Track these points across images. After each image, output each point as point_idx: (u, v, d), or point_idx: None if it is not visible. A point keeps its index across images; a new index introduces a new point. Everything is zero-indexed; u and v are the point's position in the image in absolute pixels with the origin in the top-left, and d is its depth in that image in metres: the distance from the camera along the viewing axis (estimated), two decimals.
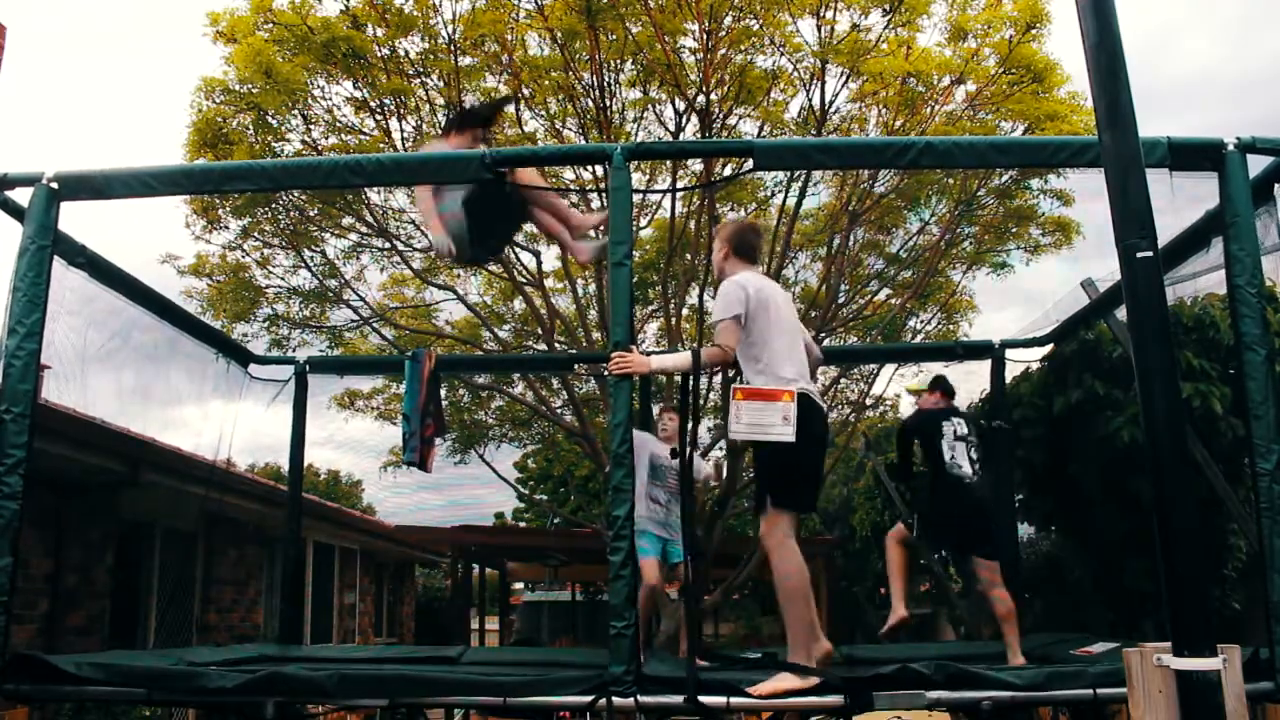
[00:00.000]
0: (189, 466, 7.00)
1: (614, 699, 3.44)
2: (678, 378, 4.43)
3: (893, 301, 11.27)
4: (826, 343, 10.81)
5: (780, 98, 9.20)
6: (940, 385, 5.30)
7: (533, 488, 21.78)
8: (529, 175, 4.65)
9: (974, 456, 4.92)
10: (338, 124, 9.23)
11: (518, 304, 11.89)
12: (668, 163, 9.68)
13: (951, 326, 11.83)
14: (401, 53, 8.80)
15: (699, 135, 8.84)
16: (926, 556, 8.35)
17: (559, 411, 12.25)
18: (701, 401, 9.67)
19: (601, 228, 4.55)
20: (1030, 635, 5.74)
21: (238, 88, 8.71)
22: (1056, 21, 8.65)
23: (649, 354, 6.66)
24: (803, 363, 3.97)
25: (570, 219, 4.89)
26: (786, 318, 3.99)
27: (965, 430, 4.97)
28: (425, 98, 9.03)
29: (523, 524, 23.53)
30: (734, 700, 3.49)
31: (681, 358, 4.02)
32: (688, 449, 3.97)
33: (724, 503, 10.14)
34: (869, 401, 12.41)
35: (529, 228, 11.04)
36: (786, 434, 3.62)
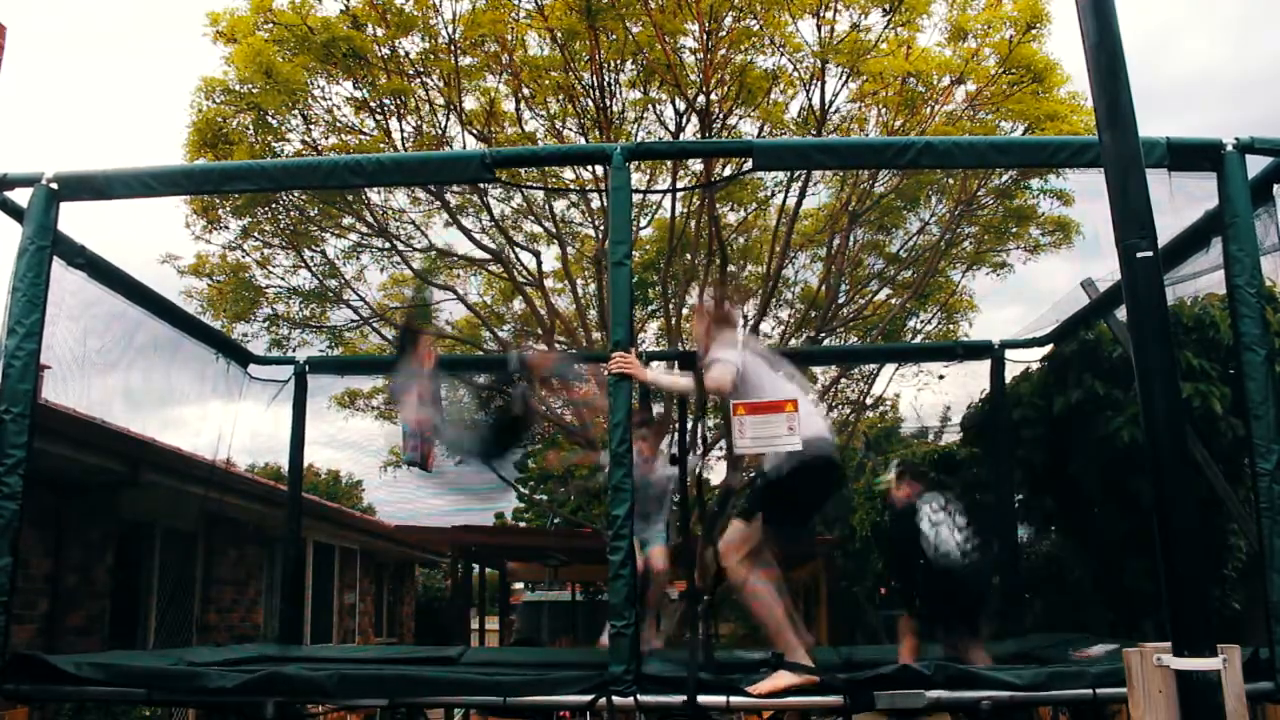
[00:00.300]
0: (189, 466, 6.99)
1: (614, 698, 3.45)
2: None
3: (893, 301, 11.27)
4: (826, 343, 10.82)
5: (780, 98, 9.20)
6: (908, 474, 5.16)
7: (533, 488, 21.78)
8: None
9: (959, 525, 4.80)
10: (338, 124, 9.23)
11: (518, 304, 11.90)
12: (668, 163, 9.69)
13: (951, 326, 11.84)
14: (401, 53, 8.80)
15: (699, 135, 8.84)
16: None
17: (559, 411, 12.24)
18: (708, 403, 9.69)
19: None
20: (1030, 635, 5.74)
21: (238, 88, 8.72)
22: (1056, 21, 8.66)
23: (648, 355, 6.69)
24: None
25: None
26: (768, 375, 4.00)
27: (939, 509, 4.85)
28: (425, 98, 9.04)
29: (523, 524, 23.53)
30: (734, 700, 3.49)
31: (678, 380, 4.07)
32: (687, 451, 3.98)
33: (724, 502, 10.13)
34: (869, 401, 12.42)
35: (530, 227, 11.08)
36: (794, 442, 3.63)
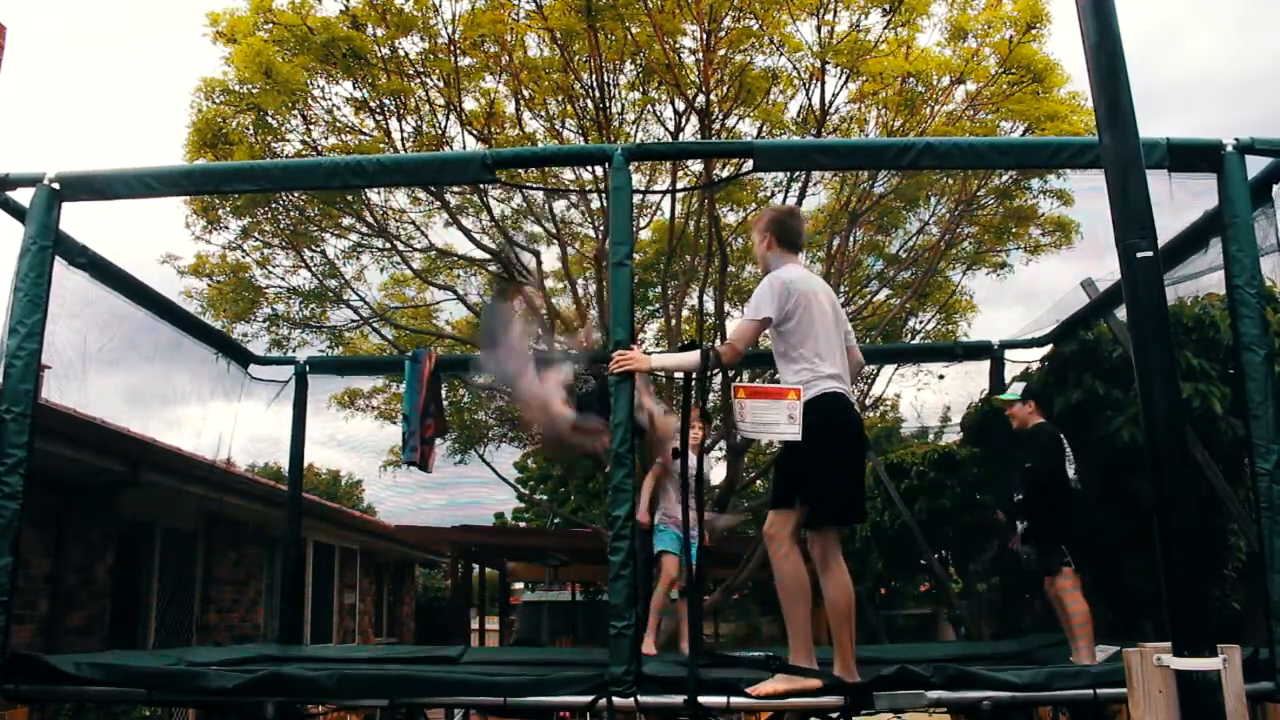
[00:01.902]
0: (189, 466, 7.00)
1: (614, 699, 3.45)
2: (679, 377, 4.35)
3: (892, 302, 11.27)
4: None
5: (780, 98, 9.20)
6: (1032, 395, 5.11)
7: (533, 488, 21.78)
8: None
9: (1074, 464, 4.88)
10: (338, 124, 9.23)
11: (517, 304, 11.88)
12: (667, 164, 9.69)
13: (950, 327, 11.84)
14: (401, 53, 8.80)
15: (699, 135, 8.84)
16: (927, 556, 8.35)
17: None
18: (714, 404, 9.68)
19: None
20: (1030, 635, 5.75)
21: (238, 88, 8.71)
22: (1056, 21, 8.66)
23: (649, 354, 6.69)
24: (843, 364, 3.79)
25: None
26: (830, 317, 3.83)
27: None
28: (425, 98, 9.03)
29: (523, 524, 23.54)
30: (734, 700, 3.49)
31: (685, 357, 3.94)
32: (688, 451, 3.96)
33: (724, 502, 10.13)
34: (869, 402, 12.42)
35: (530, 228, 11.07)
36: (792, 433, 3.56)
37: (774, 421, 3.58)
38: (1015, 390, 5.20)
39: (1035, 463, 4.84)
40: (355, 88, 8.96)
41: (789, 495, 3.63)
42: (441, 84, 8.94)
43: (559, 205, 10.78)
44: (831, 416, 3.62)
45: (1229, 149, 3.83)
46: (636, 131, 9.32)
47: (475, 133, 9.09)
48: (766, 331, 3.82)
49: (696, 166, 9.59)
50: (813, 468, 3.57)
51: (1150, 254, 2.40)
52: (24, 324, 3.84)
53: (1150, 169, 3.61)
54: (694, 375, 4.05)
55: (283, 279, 10.45)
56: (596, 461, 10.05)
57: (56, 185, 4.02)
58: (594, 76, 8.71)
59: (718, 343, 3.89)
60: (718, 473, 11.99)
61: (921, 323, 11.91)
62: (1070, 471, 4.78)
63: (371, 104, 9.06)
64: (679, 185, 9.59)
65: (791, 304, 3.69)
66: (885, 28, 8.72)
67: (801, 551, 3.62)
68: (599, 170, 9.30)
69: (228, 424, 6.15)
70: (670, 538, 5.14)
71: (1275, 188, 4.00)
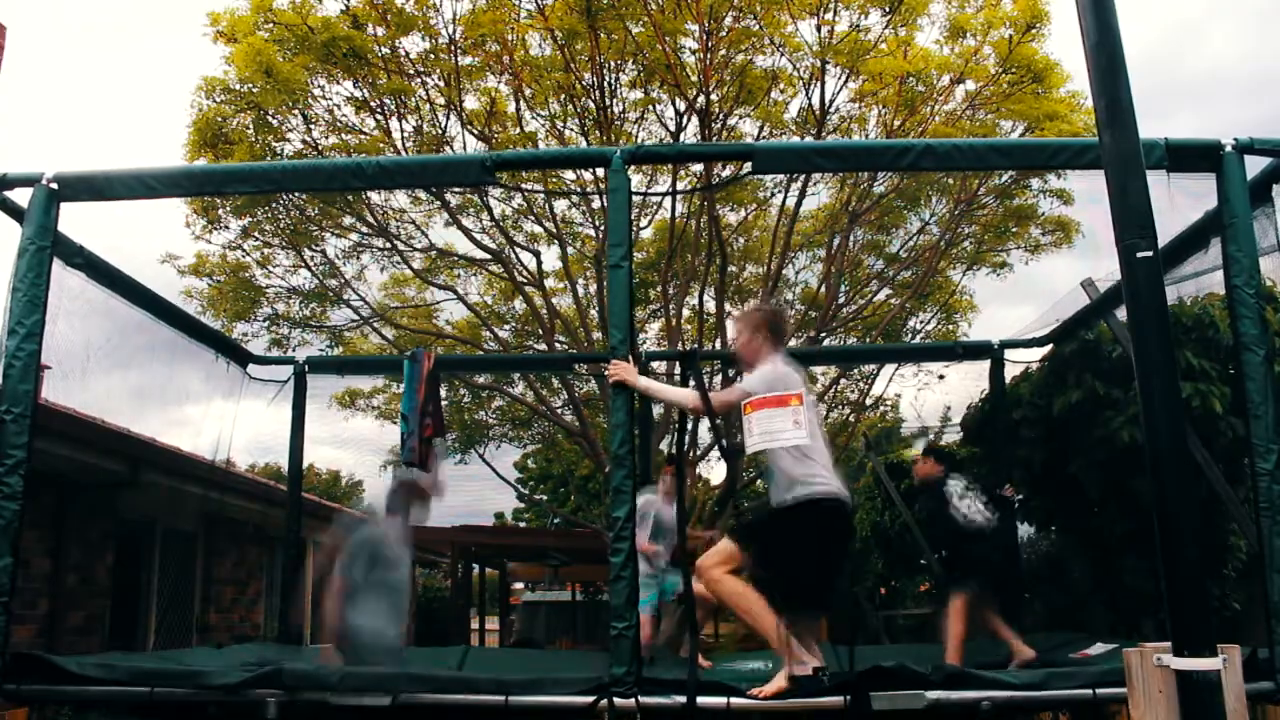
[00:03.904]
0: (189, 466, 7.00)
1: (615, 700, 3.44)
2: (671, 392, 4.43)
3: (893, 302, 11.28)
4: (826, 343, 10.82)
5: (780, 98, 9.21)
6: (928, 452, 5.71)
7: (533, 488, 21.79)
8: None
9: (984, 501, 5.26)
10: (338, 124, 9.23)
11: (518, 304, 11.90)
12: (668, 165, 9.70)
13: (950, 327, 11.85)
14: (402, 53, 8.80)
15: (699, 135, 8.84)
16: (927, 556, 8.35)
17: (559, 411, 12.25)
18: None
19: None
20: (1030, 635, 5.74)
21: (238, 87, 8.72)
22: (1056, 21, 8.67)
23: (649, 355, 6.69)
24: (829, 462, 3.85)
25: None
26: (816, 409, 3.98)
27: (963, 487, 5.30)
28: (425, 98, 9.04)
29: (523, 524, 23.53)
30: (734, 701, 3.49)
31: (677, 393, 4.01)
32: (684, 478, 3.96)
33: (724, 503, 10.13)
34: (869, 401, 12.42)
35: (531, 228, 11.07)
36: (799, 437, 3.61)
37: (779, 429, 3.62)
38: (917, 449, 5.85)
39: (922, 513, 5.59)
40: (356, 87, 8.97)
41: (755, 554, 3.69)
42: (442, 83, 8.94)
43: (559, 205, 10.79)
44: (832, 526, 3.70)
45: (1228, 149, 3.82)
46: (638, 131, 9.32)
47: (476, 132, 9.09)
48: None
49: (697, 166, 9.59)
50: (794, 563, 3.61)
51: (1150, 254, 2.40)
52: (23, 324, 3.83)
53: (1149, 169, 3.63)
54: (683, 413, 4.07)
55: (283, 279, 10.46)
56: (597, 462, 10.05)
57: (55, 185, 4.01)
58: (595, 76, 8.72)
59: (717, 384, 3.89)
60: (718, 474, 11.96)
61: (921, 323, 11.91)
62: (964, 509, 5.20)
63: (372, 103, 9.06)
64: (679, 186, 9.59)
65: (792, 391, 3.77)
66: (885, 27, 8.72)
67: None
68: (599, 170, 9.31)
69: (227, 424, 6.15)
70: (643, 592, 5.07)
71: (1275, 187, 3.99)
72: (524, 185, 9.77)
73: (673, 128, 9.12)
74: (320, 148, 9.12)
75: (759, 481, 12.38)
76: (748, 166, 4.12)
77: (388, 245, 10.33)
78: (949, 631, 5.00)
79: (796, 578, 3.62)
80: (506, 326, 11.96)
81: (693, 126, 8.96)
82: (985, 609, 5.11)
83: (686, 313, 10.87)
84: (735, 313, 4.26)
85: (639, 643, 3.60)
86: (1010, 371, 6.62)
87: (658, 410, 8.01)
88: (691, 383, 4.46)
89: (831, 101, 8.98)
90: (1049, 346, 6.46)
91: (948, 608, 5.16)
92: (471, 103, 9.14)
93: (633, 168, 4.08)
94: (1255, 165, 3.91)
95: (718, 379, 9.89)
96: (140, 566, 7.99)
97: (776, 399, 3.68)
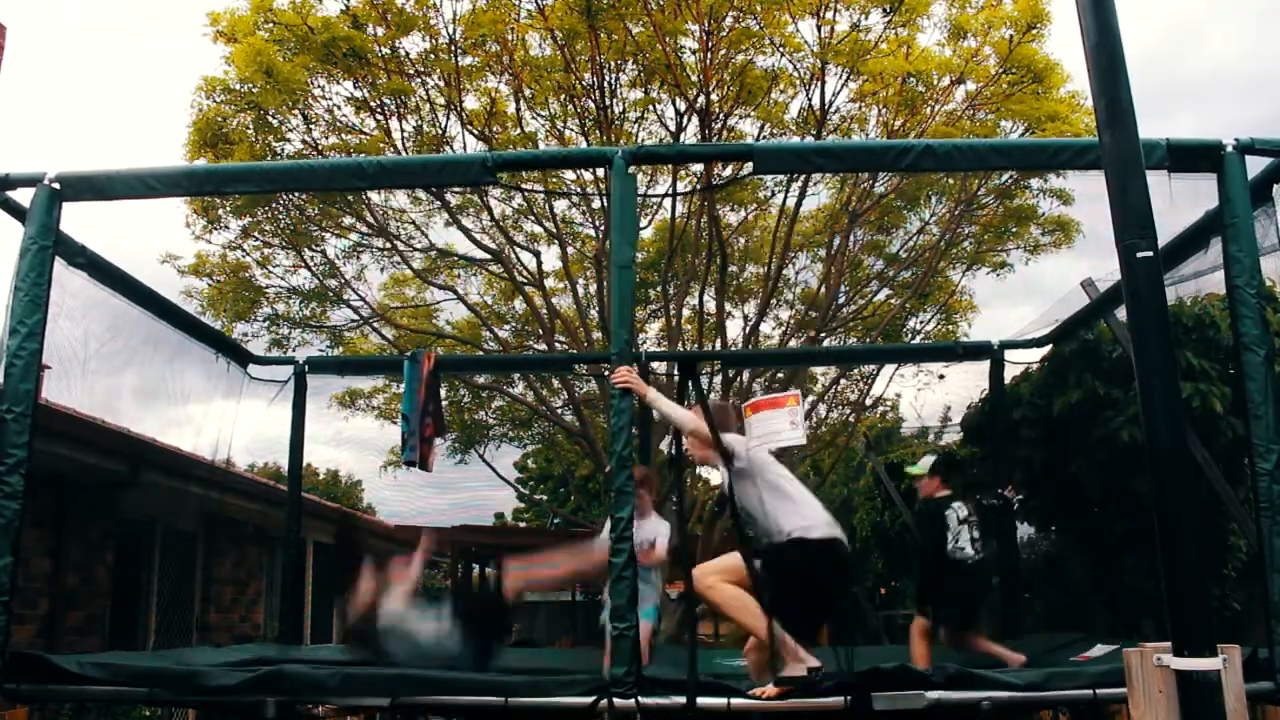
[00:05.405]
0: (189, 466, 7.00)
1: (615, 700, 3.44)
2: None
3: (892, 302, 11.28)
4: (826, 343, 10.82)
5: (780, 98, 9.21)
6: (939, 470, 5.46)
7: (533, 488, 21.79)
8: None
9: (974, 535, 5.15)
10: (338, 124, 9.23)
11: (518, 304, 11.90)
12: (668, 165, 9.69)
13: (950, 327, 11.85)
14: (402, 53, 8.80)
15: (699, 136, 8.84)
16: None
17: (559, 411, 12.25)
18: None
19: None
20: (1030, 636, 5.75)
21: (238, 87, 8.72)
22: (1056, 21, 8.66)
23: (649, 355, 6.68)
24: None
25: None
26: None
27: (966, 514, 5.19)
28: (426, 98, 9.03)
29: (523, 524, 23.53)
30: (734, 702, 3.49)
31: (679, 413, 4.02)
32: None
33: (724, 503, 10.11)
34: (869, 401, 12.42)
35: (531, 228, 11.08)
36: (796, 437, 3.63)
37: (778, 430, 3.64)
38: (924, 464, 5.52)
39: (921, 539, 5.44)
40: (356, 87, 8.97)
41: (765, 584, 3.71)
42: (442, 83, 8.94)
43: (559, 205, 10.79)
44: (840, 566, 3.84)
45: (1229, 149, 3.82)
46: (638, 131, 9.32)
47: (476, 132, 9.10)
48: (745, 478, 3.91)
49: (697, 167, 9.59)
50: (796, 597, 3.69)
51: (1150, 254, 2.40)
52: (24, 324, 3.84)
53: (1150, 169, 3.63)
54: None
55: (283, 279, 10.46)
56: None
57: (57, 185, 4.01)
58: (595, 76, 8.72)
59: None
60: (717, 474, 11.93)
61: (921, 323, 11.91)
62: (949, 542, 5.10)
63: (372, 104, 9.06)
64: (679, 186, 9.60)
65: (753, 465, 3.84)
66: (885, 28, 8.72)
67: None
68: (599, 170, 9.31)
69: (227, 424, 6.15)
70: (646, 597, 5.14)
71: (1275, 187, 3.99)
72: (524, 185, 9.77)
73: (673, 128, 9.12)
74: (320, 148, 9.12)
75: None
76: (748, 167, 4.12)
77: (388, 245, 10.33)
78: (914, 654, 5.00)
79: (791, 606, 3.68)
80: (506, 327, 11.96)
81: (693, 127, 8.96)
82: (966, 635, 5.08)
83: (686, 313, 10.87)
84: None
85: (639, 643, 3.60)
86: (1010, 371, 6.62)
87: (657, 411, 8.01)
88: (692, 396, 4.48)
89: (831, 102, 8.98)
90: (1049, 347, 6.46)
91: (911, 628, 5.22)
92: (471, 103, 9.15)
93: (633, 168, 4.08)
94: (1255, 166, 3.91)
95: (717, 378, 9.91)
96: (140, 566, 7.99)
97: (775, 400, 3.71)
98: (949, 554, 5.09)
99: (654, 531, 4.99)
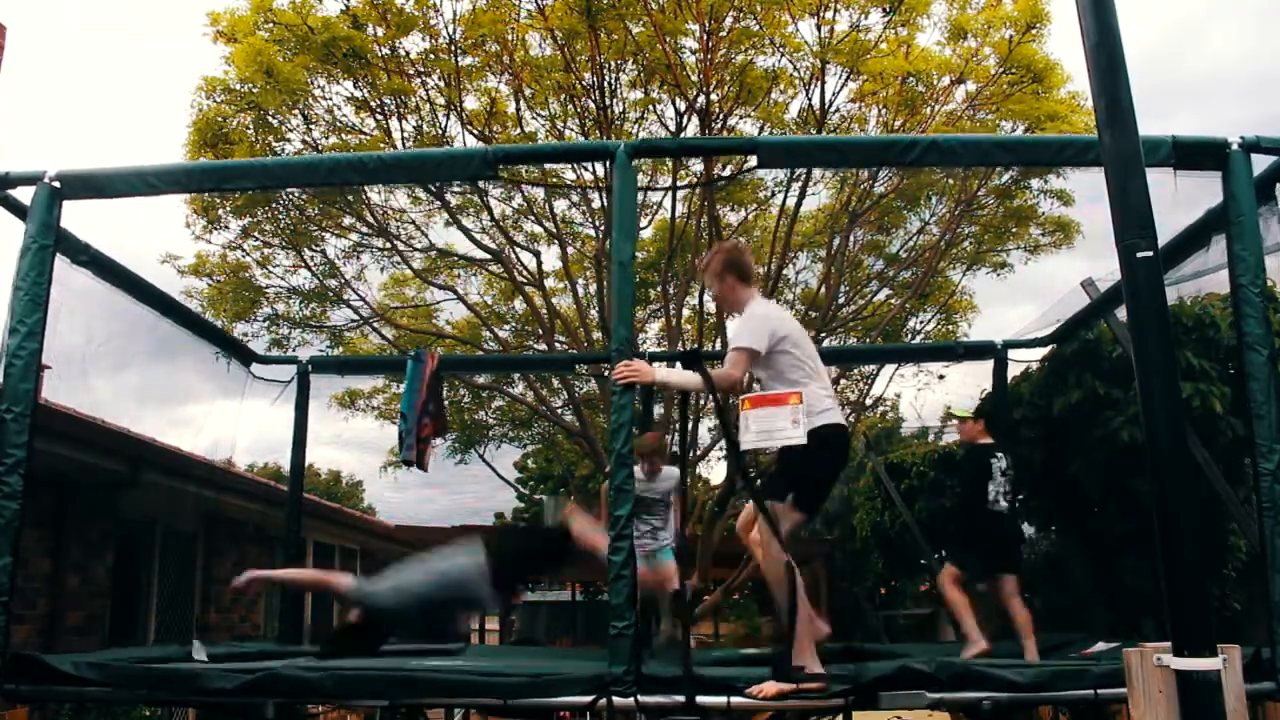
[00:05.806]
0: (189, 466, 6.99)
1: (614, 699, 3.44)
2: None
3: (892, 302, 11.27)
4: (826, 343, 10.82)
5: (780, 98, 9.20)
6: (983, 415, 5.53)
7: (533, 488, 21.79)
8: None
9: (1007, 489, 5.24)
10: (338, 124, 9.23)
11: (518, 304, 11.90)
12: (668, 163, 9.69)
13: (951, 327, 11.84)
14: (402, 53, 8.80)
15: (700, 135, 8.84)
16: (927, 556, 8.35)
17: (559, 411, 12.25)
18: (702, 402, 9.67)
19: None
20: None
21: (238, 87, 8.72)
22: (1056, 21, 8.66)
23: (650, 355, 6.68)
24: (831, 391, 3.95)
25: None
26: (810, 345, 3.97)
27: (1005, 465, 5.25)
28: (426, 98, 9.03)
29: (522, 524, 23.51)
30: (734, 700, 3.48)
31: (688, 377, 3.99)
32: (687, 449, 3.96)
33: (724, 502, 10.13)
34: (869, 401, 12.42)
35: (531, 227, 11.07)
36: (796, 436, 3.58)
37: (778, 428, 3.60)
38: (969, 408, 5.68)
39: (960, 485, 5.59)
40: (356, 87, 8.97)
41: (784, 494, 3.75)
42: (442, 83, 8.94)
43: (559, 205, 10.79)
44: (842, 449, 3.87)
45: (1234, 147, 3.82)
46: (638, 131, 9.32)
47: (476, 132, 9.09)
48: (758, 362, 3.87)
49: (697, 167, 9.58)
50: (813, 484, 3.80)
51: (1150, 254, 2.39)
52: (24, 323, 3.83)
53: (1156, 167, 3.63)
54: (690, 394, 4.06)
55: (283, 279, 10.45)
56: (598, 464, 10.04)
57: (57, 184, 4.01)
58: (595, 76, 8.71)
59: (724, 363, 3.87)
60: (718, 474, 11.95)
61: (922, 323, 11.91)
62: (992, 492, 5.19)
63: (372, 104, 9.06)
64: (680, 184, 9.59)
65: (783, 332, 3.78)
66: (885, 27, 8.71)
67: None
68: (599, 169, 9.31)
69: (229, 424, 6.15)
70: (663, 544, 5.43)
71: (1278, 186, 3.99)
72: (524, 183, 9.77)
73: (673, 128, 9.11)
74: (320, 148, 9.11)
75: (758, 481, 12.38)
76: (752, 160, 4.10)
77: (388, 245, 10.33)
78: (952, 603, 5.06)
79: (810, 494, 3.79)
80: (506, 326, 11.95)
81: (693, 126, 8.95)
82: (1004, 581, 5.11)
83: (686, 313, 10.87)
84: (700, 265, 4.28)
85: (638, 642, 3.59)
86: (1011, 371, 6.61)
87: (658, 410, 8.01)
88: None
89: (832, 102, 8.97)
90: (1050, 347, 6.45)
91: (940, 577, 5.27)
92: (471, 103, 9.14)
93: (634, 164, 4.07)
94: (1258, 165, 3.91)
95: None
96: (140, 566, 7.99)
97: (775, 397, 3.66)
98: (989, 503, 5.14)
99: (670, 477, 5.37)
